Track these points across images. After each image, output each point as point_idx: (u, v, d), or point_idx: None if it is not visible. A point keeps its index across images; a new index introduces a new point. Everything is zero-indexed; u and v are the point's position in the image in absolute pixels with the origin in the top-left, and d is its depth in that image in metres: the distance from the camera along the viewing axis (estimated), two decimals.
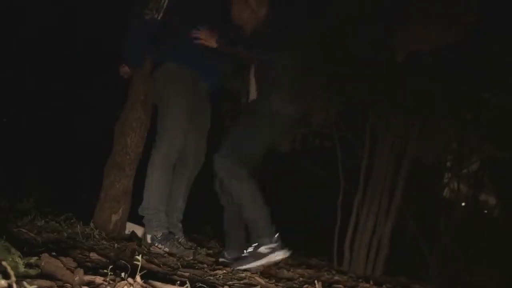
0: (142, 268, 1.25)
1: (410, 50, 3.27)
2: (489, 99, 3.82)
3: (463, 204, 5.30)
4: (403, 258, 5.09)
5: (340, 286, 2.12)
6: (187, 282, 1.30)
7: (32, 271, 1.17)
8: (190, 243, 2.58)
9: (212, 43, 2.47)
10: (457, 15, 3.04)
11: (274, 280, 1.98)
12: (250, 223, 2.33)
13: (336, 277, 2.61)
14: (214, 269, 1.94)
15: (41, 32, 5.46)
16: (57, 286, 1.11)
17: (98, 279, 1.22)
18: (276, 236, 2.23)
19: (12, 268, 0.91)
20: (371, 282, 2.48)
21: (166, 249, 2.34)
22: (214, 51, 2.58)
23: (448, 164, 5.39)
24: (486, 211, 6.30)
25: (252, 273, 2.00)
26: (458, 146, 4.87)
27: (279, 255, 2.22)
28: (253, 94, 2.49)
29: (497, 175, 5.48)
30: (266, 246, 2.20)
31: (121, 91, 2.84)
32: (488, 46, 3.62)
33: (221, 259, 2.47)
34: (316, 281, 1.75)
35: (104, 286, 1.19)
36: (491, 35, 3.56)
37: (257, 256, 2.20)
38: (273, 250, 2.20)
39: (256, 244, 2.23)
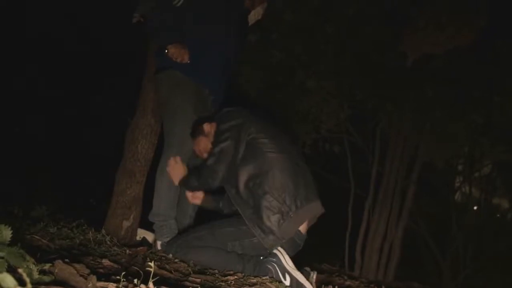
0: (154, 274, 1.25)
1: (420, 54, 3.27)
2: (500, 102, 3.79)
3: (475, 208, 5.25)
4: (415, 263, 5.05)
5: None
6: None
7: (46, 278, 1.18)
8: None
9: (185, 58, 2.46)
10: (467, 18, 3.03)
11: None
12: None
13: (348, 282, 2.59)
14: (225, 275, 1.94)
15: (52, 39, 5.53)
16: None
17: (111, 286, 1.23)
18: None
19: (27, 275, 0.92)
20: (383, 287, 2.46)
21: None
22: (221, 63, 2.59)
23: (460, 167, 5.35)
24: (499, 215, 6.23)
25: (263, 279, 1.99)
26: (470, 149, 4.83)
27: None
28: None
29: (510, 178, 5.42)
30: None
31: (132, 98, 2.86)
32: (498, 49, 3.60)
33: None
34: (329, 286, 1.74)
35: None
36: (501, 37, 3.54)
37: None
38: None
39: None
